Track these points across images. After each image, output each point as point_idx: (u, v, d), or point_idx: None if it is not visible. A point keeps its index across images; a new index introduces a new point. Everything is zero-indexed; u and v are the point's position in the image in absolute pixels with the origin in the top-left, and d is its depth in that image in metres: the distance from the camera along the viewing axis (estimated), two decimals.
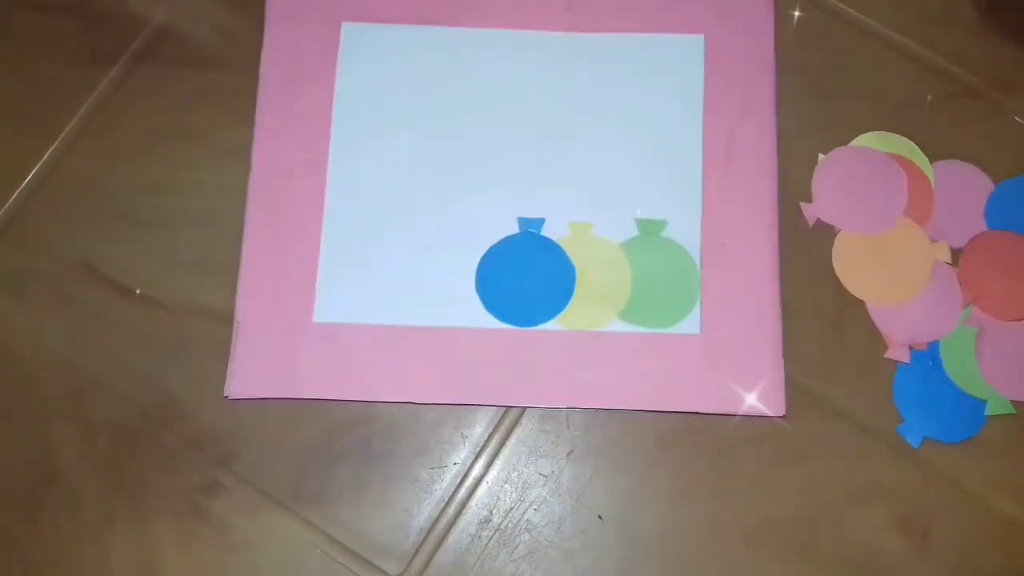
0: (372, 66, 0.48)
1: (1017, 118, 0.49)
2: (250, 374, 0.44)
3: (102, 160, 0.47)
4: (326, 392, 0.44)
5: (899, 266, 0.46)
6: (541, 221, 0.46)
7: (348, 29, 0.49)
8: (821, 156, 0.48)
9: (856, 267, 0.46)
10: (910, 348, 0.45)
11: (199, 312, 0.45)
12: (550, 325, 0.45)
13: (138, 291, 0.46)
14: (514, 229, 0.46)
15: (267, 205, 0.46)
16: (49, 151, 0.48)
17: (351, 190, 0.47)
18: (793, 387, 0.45)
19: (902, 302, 0.46)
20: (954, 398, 0.45)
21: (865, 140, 0.48)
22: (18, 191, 0.47)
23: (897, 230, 0.47)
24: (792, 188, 0.48)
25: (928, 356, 0.45)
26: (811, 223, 0.47)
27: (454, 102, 0.48)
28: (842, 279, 0.46)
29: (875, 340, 0.46)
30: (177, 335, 0.45)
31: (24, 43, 0.49)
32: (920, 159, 0.48)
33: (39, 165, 0.47)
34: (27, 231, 0.47)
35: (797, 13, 0.50)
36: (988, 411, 0.45)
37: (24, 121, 0.48)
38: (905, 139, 0.48)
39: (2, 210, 0.47)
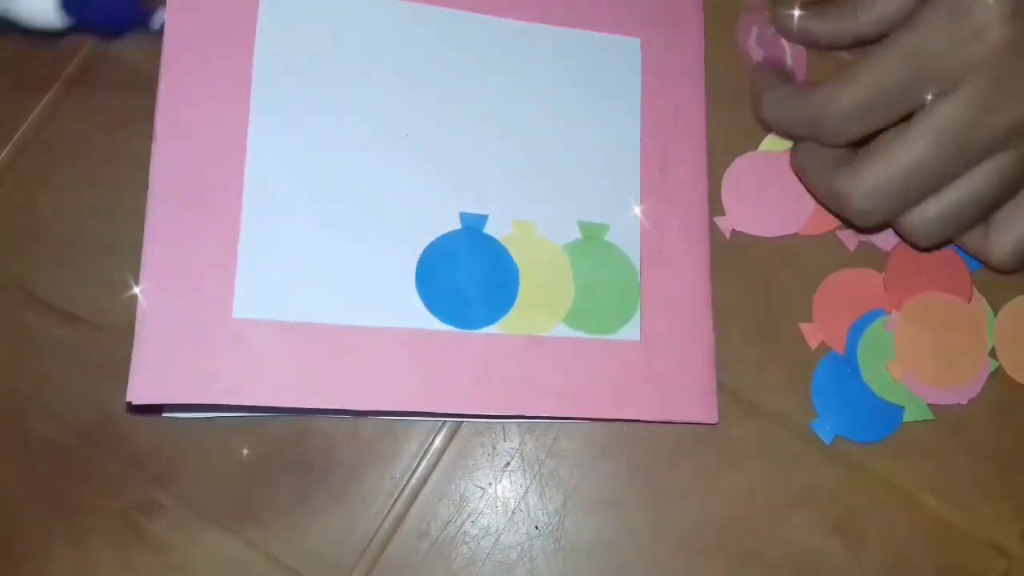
0: (296, 34, 0.44)
1: None
2: (155, 376, 0.40)
3: (39, 185, 0.48)
4: (243, 397, 0.40)
5: None
6: (484, 218, 0.45)
7: None
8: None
9: None
10: (829, 350, 0.46)
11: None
12: (493, 329, 0.44)
13: (76, 314, 0.46)
14: (455, 223, 0.45)
15: (175, 185, 0.42)
16: None
17: (274, 174, 0.43)
18: (727, 394, 0.46)
19: None
20: (869, 402, 0.45)
21: (770, 143, 0.49)
22: None
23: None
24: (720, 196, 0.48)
25: (847, 363, 0.46)
26: (728, 236, 0.48)
27: (390, 81, 0.45)
28: None
29: (806, 347, 0.46)
30: (115, 356, 0.45)
31: None
32: None
33: None
34: None
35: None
36: (906, 417, 0.45)
37: None
38: None
39: None
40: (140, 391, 0.40)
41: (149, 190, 0.42)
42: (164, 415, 0.44)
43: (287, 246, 0.42)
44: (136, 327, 0.41)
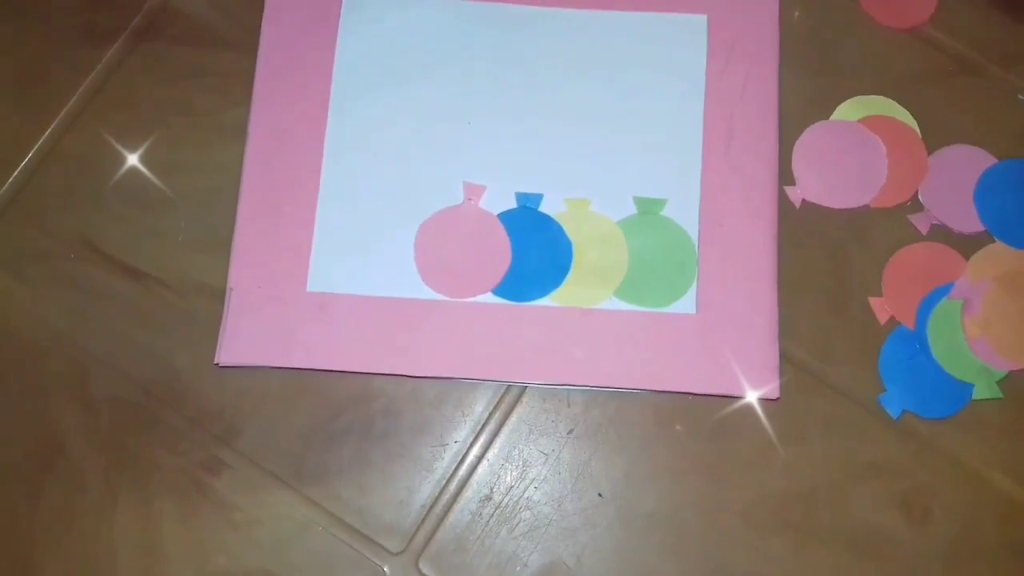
0: (374, 35, 0.48)
1: (1021, 96, 0.49)
2: (240, 342, 0.44)
3: (102, 138, 0.47)
4: (316, 362, 0.44)
5: None
6: (539, 197, 0.46)
7: None
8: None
9: None
10: (898, 324, 0.46)
11: (200, 289, 0.46)
12: (545, 301, 0.45)
13: (140, 269, 0.46)
14: (512, 204, 0.46)
15: (263, 172, 0.46)
16: (49, 129, 0.47)
17: (349, 159, 0.46)
18: (792, 366, 0.45)
19: None
20: (938, 378, 0.45)
21: (842, 111, 0.48)
22: (18, 170, 0.47)
23: None
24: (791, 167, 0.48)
25: (915, 338, 0.45)
26: (798, 205, 0.47)
27: (455, 74, 0.48)
28: None
29: (873, 320, 0.46)
30: (178, 312, 0.45)
31: (24, 21, 0.49)
32: (902, 114, 0.48)
33: (39, 144, 0.47)
34: (28, 210, 0.47)
35: None
36: (975, 395, 0.45)
37: (24, 100, 0.48)
38: (883, 98, 0.48)
39: (2, 189, 0.47)
40: (227, 355, 0.44)
41: (241, 186, 0.46)
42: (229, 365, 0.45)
43: (357, 229, 0.46)
44: (226, 300, 0.45)
